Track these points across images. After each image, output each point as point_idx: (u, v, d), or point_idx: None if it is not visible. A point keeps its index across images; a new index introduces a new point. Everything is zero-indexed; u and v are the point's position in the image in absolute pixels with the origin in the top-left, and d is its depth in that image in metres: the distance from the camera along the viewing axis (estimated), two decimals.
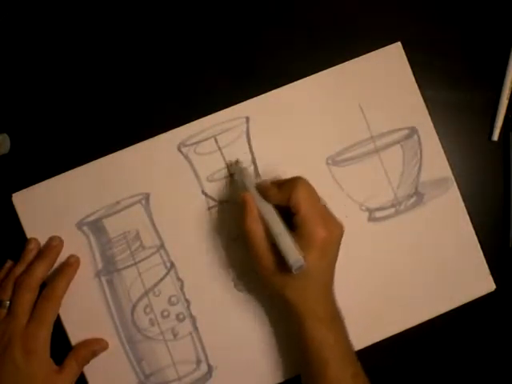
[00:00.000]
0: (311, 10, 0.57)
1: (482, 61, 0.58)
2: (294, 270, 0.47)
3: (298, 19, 0.57)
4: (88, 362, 0.54)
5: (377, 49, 0.56)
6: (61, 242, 0.55)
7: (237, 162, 0.55)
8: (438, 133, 0.56)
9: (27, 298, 0.51)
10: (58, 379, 0.51)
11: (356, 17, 0.57)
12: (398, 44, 0.56)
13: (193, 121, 0.55)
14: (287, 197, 0.49)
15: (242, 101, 0.56)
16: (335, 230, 0.49)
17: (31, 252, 0.54)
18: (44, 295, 0.52)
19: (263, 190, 0.51)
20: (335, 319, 0.50)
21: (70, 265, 0.54)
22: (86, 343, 0.54)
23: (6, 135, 0.55)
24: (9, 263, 0.54)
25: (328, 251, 0.49)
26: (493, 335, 0.57)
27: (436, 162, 0.57)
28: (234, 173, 0.55)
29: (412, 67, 0.56)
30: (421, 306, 0.55)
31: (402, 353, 0.56)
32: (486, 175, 0.58)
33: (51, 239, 0.54)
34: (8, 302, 0.52)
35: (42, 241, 0.55)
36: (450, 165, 0.56)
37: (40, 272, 0.52)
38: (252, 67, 0.57)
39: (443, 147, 0.56)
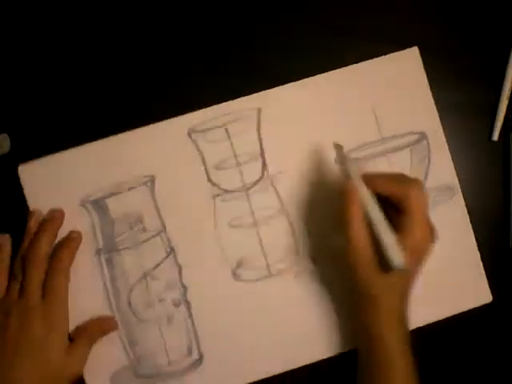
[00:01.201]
0: (328, 8, 0.58)
1: (482, 61, 0.58)
2: (394, 268, 0.45)
3: (312, 16, 0.57)
4: (97, 339, 0.54)
5: (375, 48, 0.56)
6: (61, 214, 0.54)
7: (339, 146, 0.52)
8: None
9: (35, 274, 0.51)
10: (70, 355, 0.52)
11: (356, 17, 0.57)
12: (415, 49, 0.56)
13: (205, 108, 0.55)
14: (403, 193, 0.47)
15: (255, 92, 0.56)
16: (434, 239, 0.49)
17: (35, 225, 0.54)
18: (51, 269, 0.52)
19: (370, 176, 0.48)
20: (407, 326, 0.50)
21: (73, 239, 0.54)
22: (97, 321, 0.54)
23: (6, 135, 0.55)
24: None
25: (424, 260, 0.49)
26: (493, 337, 0.57)
27: (443, 168, 0.57)
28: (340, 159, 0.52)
29: None
30: (417, 312, 0.55)
31: None
32: (486, 175, 0.58)
33: (52, 211, 0.54)
34: (21, 277, 0.52)
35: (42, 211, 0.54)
36: None
37: (43, 246, 0.52)
38: (267, 62, 0.57)
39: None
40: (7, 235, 0.53)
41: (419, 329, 0.55)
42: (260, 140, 0.56)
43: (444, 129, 0.57)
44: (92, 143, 0.55)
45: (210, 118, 0.55)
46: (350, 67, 0.56)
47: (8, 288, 0.52)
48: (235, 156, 0.56)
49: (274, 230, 0.56)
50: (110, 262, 0.55)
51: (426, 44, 0.57)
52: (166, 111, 0.55)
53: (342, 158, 0.51)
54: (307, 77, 0.56)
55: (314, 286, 0.56)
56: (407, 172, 0.56)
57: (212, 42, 0.57)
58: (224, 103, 0.55)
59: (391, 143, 0.56)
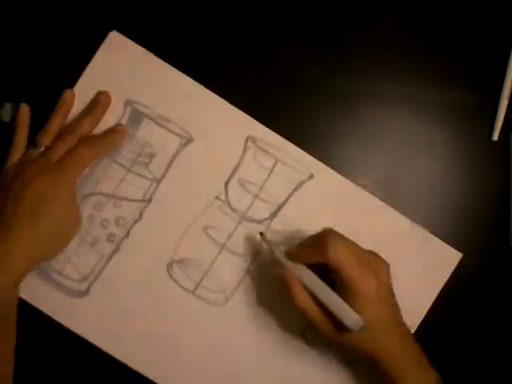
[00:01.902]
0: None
1: (481, 61, 0.57)
2: (354, 331, 0.46)
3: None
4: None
5: (376, 45, 0.57)
6: (109, 98, 0.55)
7: (262, 234, 0.53)
8: (438, 133, 0.57)
9: (64, 148, 0.52)
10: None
11: (356, 18, 0.57)
12: (459, 255, 0.55)
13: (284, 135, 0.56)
14: (322, 256, 0.47)
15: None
16: (383, 272, 0.49)
17: (67, 103, 0.54)
18: (87, 140, 0.53)
19: (294, 255, 0.50)
20: (424, 359, 0.50)
21: (118, 131, 0.54)
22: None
23: (10, 104, 0.55)
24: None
25: (385, 297, 0.48)
26: (493, 335, 0.57)
27: None
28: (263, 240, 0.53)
29: (412, 66, 0.57)
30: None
31: None
32: (486, 175, 0.57)
33: (100, 94, 0.54)
34: (43, 147, 0.52)
35: (94, 83, 0.55)
36: (451, 164, 0.57)
37: (86, 129, 0.53)
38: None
39: (443, 147, 0.57)
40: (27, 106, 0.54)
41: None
42: (289, 199, 0.56)
43: (444, 129, 0.57)
44: (178, 72, 0.55)
45: (274, 145, 0.55)
46: (402, 218, 0.56)
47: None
48: (261, 188, 0.56)
49: (230, 265, 0.56)
50: (99, 160, 0.55)
51: (425, 44, 0.57)
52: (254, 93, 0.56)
53: (268, 244, 0.52)
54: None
55: (219, 329, 0.55)
56: None
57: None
58: (295, 147, 0.55)
59: None
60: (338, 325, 0.48)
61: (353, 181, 0.56)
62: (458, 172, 0.57)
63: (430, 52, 0.57)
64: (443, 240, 0.56)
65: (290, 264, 0.50)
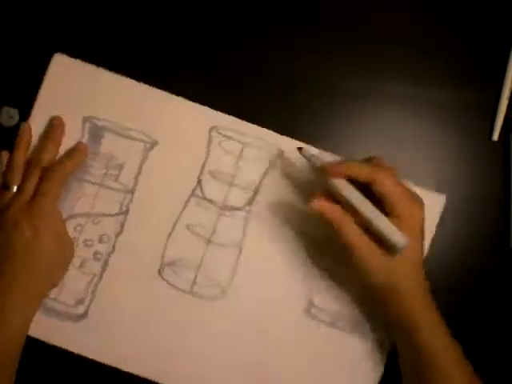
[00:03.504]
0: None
1: (481, 61, 0.57)
2: (399, 250, 0.45)
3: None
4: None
5: (376, 45, 0.57)
6: (61, 120, 0.55)
7: (300, 149, 0.51)
8: (438, 133, 0.57)
9: (34, 182, 0.52)
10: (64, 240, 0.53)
11: (356, 15, 0.57)
12: (443, 197, 0.56)
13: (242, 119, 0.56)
14: (370, 179, 0.46)
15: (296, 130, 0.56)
16: (423, 206, 0.48)
17: (26, 137, 0.54)
18: (50, 168, 0.52)
19: (334, 167, 0.48)
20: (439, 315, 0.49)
21: (80, 151, 0.54)
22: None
23: (16, 110, 0.55)
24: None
25: (422, 237, 0.49)
26: (493, 335, 0.57)
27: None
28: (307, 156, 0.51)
29: (412, 66, 0.57)
30: None
31: None
32: (486, 175, 0.57)
33: (53, 119, 0.54)
34: (15, 187, 0.52)
35: (47, 111, 0.55)
36: (451, 165, 0.57)
37: (50, 156, 0.53)
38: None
39: (443, 147, 0.57)
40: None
41: None
42: (262, 178, 0.56)
43: (444, 129, 0.57)
44: (128, 79, 0.55)
45: (236, 129, 0.55)
46: None
47: None
48: (233, 176, 0.56)
49: (220, 256, 0.56)
50: (70, 184, 0.55)
51: (426, 44, 0.57)
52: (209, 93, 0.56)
53: (309, 161, 0.50)
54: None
55: (223, 322, 0.55)
56: None
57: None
58: (255, 125, 0.55)
59: None
60: (384, 257, 0.47)
61: None
62: (458, 172, 0.57)
63: (431, 52, 0.57)
64: (443, 239, 0.56)
65: (331, 180, 0.47)
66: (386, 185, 0.46)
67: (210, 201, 0.56)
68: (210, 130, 0.55)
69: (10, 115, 0.55)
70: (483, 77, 0.57)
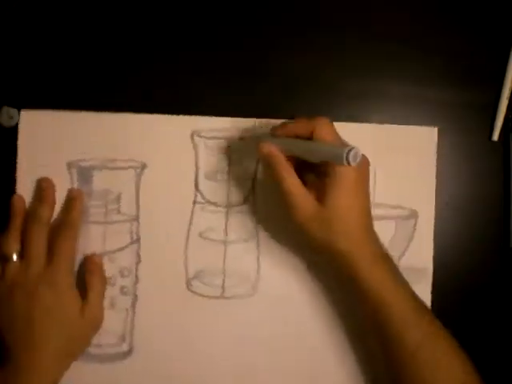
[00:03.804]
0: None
1: (481, 61, 0.57)
2: (352, 160, 0.44)
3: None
4: (105, 282, 0.54)
5: (376, 45, 0.57)
6: (49, 180, 0.55)
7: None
8: (438, 133, 0.56)
9: (38, 242, 0.51)
10: (87, 312, 0.52)
11: (356, 15, 0.57)
12: (435, 132, 0.56)
13: (219, 116, 0.55)
14: (310, 131, 0.47)
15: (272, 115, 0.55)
16: (364, 167, 0.48)
17: (19, 207, 0.54)
18: (61, 234, 0.52)
19: (279, 128, 0.50)
20: (388, 258, 0.49)
21: (76, 198, 0.54)
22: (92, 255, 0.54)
23: (15, 110, 0.55)
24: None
25: (361, 189, 0.48)
26: (493, 336, 0.57)
27: (423, 251, 0.56)
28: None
29: (412, 66, 0.56)
30: None
31: None
32: (486, 175, 0.57)
33: (40, 181, 0.54)
34: (15, 255, 0.51)
35: (32, 167, 0.55)
36: (450, 165, 0.57)
37: (45, 214, 0.53)
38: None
39: (443, 147, 0.57)
40: None
41: None
42: (257, 164, 0.56)
43: (444, 129, 0.57)
44: (98, 113, 0.55)
45: (217, 128, 0.56)
46: (364, 125, 0.56)
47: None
48: (228, 172, 0.56)
49: (240, 253, 0.56)
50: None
51: (426, 44, 0.57)
52: (178, 106, 0.56)
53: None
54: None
55: (257, 317, 0.56)
56: (386, 243, 0.56)
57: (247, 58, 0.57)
58: (236, 118, 0.56)
59: (380, 210, 0.56)
60: (319, 208, 0.47)
61: None
62: (458, 172, 0.57)
63: (431, 52, 0.57)
64: (443, 239, 0.56)
65: (270, 138, 0.50)
66: (323, 131, 0.47)
67: (213, 203, 0.56)
68: (192, 135, 0.56)
69: (10, 115, 0.55)
70: (483, 77, 0.57)
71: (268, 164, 0.49)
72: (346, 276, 0.49)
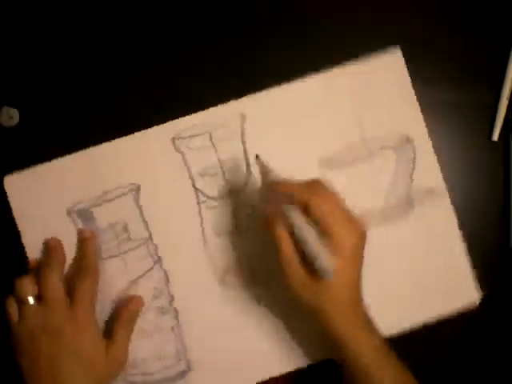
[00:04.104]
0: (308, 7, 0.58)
1: (481, 61, 0.57)
2: (324, 278, 0.45)
3: (294, 16, 0.57)
4: (134, 323, 0.54)
5: (376, 49, 0.56)
6: (56, 240, 0.55)
7: (257, 157, 0.51)
8: (438, 132, 0.56)
9: (54, 284, 0.51)
10: (112, 352, 0.51)
11: (355, 15, 0.57)
12: (398, 51, 0.56)
13: (188, 115, 0.56)
14: (305, 204, 0.46)
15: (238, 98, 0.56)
16: (362, 233, 0.47)
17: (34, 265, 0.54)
18: (80, 275, 0.52)
19: (279, 194, 0.48)
20: (371, 324, 0.49)
21: (88, 239, 0.54)
22: (126, 306, 0.54)
23: (15, 110, 0.56)
24: None
25: (358, 257, 0.48)
26: (493, 336, 0.57)
27: (429, 171, 0.56)
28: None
29: (412, 67, 0.56)
30: (404, 314, 0.55)
31: None
32: (486, 175, 0.57)
33: (49, 241, 0.54)
34: (31, 298, 0.51)
35: (31, 225, 0.55)
36: (451, 165, 0.56)
37: (57, 266, 0.52)
38: (250, 65, 0.57)
39: (443, 146, 0.56)
40: None
41: (413, 331, 0.55)
42: (244, 145, 0.56)
43: (444, 129, 0.56)
44: (75, 154, 0.55)
45: (193, 125, 0.56)
46: (331, 71, 0.56)
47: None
48: (219, 162, 0.56)
49: (255, 237, 0.55)
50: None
51: (426, 44, 0.57)
52: (150, 120, 0.56)
53: (263, 171, 0.50)
54: (290, 80, 0.56)
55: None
56: (392, 175, 0.56)
57: (189, 47, 0.57)
58: (206, 110, 0.56)
59: (375, 145, 0.56)
60: (310, 276, 0.47)
61: None
62: (458, 172, 0.57)
63: (431, 52, 0.57)
64: None
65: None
66: (319, 209, 0.46)
67: (216, 198, 0.56)
68: (173, 141, 0.56)
69: (10, 115, 0.55)
70: (483, 77, 0.57)
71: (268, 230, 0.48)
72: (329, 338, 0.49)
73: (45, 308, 0.50)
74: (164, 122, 0.56)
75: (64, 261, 0.54)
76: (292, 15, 0.57)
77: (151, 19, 0.57)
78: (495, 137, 0.57)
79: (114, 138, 0.56)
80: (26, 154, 0.56)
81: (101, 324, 0.54)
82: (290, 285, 0.48)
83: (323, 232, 0.46)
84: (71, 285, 0.52)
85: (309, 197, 0.46)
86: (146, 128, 0.55)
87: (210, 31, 0.57)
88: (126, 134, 0.56)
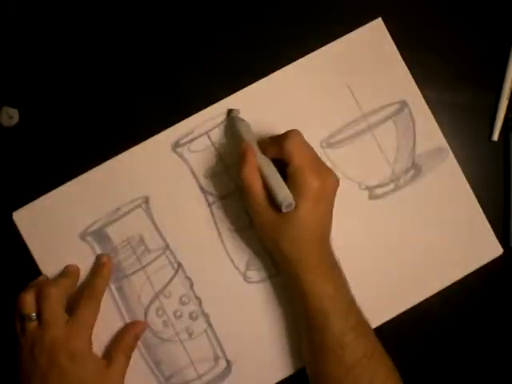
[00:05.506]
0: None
1: (481, 61, 0.58)
2: (283, 208, 0.47)
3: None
4: (134, 348, 0.53)
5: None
6: (76, 267, 0.54)
7: (235, 110, 0.54)
8: (439, 129, 0.57)
9: (55, 305, 0.50)
10: (108, 375, 0.51)
11: (356, 12, 0.57)
12: (379, 20, 0.56)
13: (183, 120, 0.55)
14: (280, 148, 0.49)
15: (231, 93, 0.56)
16: (329, 180, 0.49)
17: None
18: (84, 295, 0.52)
19: (260, 145, 0.51)
20: (333, 270, 0.50)
21: (104, 265, 0.54)
22: (125, 330, 0.54)
23: (16, 110, 0.56)
24: None
25: (322, 201, 0.49)
26: (493, 336, 0.57)
27: (430, 132, 0.57)
28: (232, 116, 0.55)
29: (412, 67, 0.56)
30: (428, 278, 0.56)
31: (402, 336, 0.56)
32: (486, 175, 0.57)
33: (68, 267, 0.54)
34: (34, 315, 0.50)
35: (48, 255, 0.55)
36: None
37: (66, 285, 0.52)
38: (225, 58, 0.57)
39: None
40: None
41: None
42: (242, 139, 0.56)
43: (444, 129, 0.57)
44: (79, 177, 0.55)
45: (190, 129, 0.55)
46: (319, 51, 0.56)
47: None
48: (222, 160, 0.56)
49: None
50: (120, 289, 0.55)
51: (426, 44, 0.57)
52: (146, 129, 0.56)
53: (233, 120, 0.53)
54: (276, 66, 0.56)
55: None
56: (395, 143, 0.56)
57: (174, 45, 0.57)
58: (200, 112, 0.56)
59: (373, 118, 0.56)
60: (274, 213, 0.49)
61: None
62: None
63: (431, 52, 0.57)
64: None
65: (253, 145, 0.51)
66: (288, 151, 0.49)
67: (225, 196, 0.56)
68: (173, 148, 0.55)
69: (10, 115, 0.55)
70: (483, 77, 0.57)
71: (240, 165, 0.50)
72: (290, 280, 0.50)
73: (42, 328, 0.50)
74: (164, 123, 0.55)
75: (73, 284, 0.54)
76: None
77: (150, 22, 0.57)
78: (495, 137, 0.57)
79: (113, 138, 0.56)
80: (26, 154, 0.56)
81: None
82: (255, 221, 0.51)
83: (291, 173, 0.48)
84: (75, 302, 0.52)
85: (283, 139, 0.49)
86: (146, 127, 0.55)
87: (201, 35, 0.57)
88: (126, 134, 0.56)
